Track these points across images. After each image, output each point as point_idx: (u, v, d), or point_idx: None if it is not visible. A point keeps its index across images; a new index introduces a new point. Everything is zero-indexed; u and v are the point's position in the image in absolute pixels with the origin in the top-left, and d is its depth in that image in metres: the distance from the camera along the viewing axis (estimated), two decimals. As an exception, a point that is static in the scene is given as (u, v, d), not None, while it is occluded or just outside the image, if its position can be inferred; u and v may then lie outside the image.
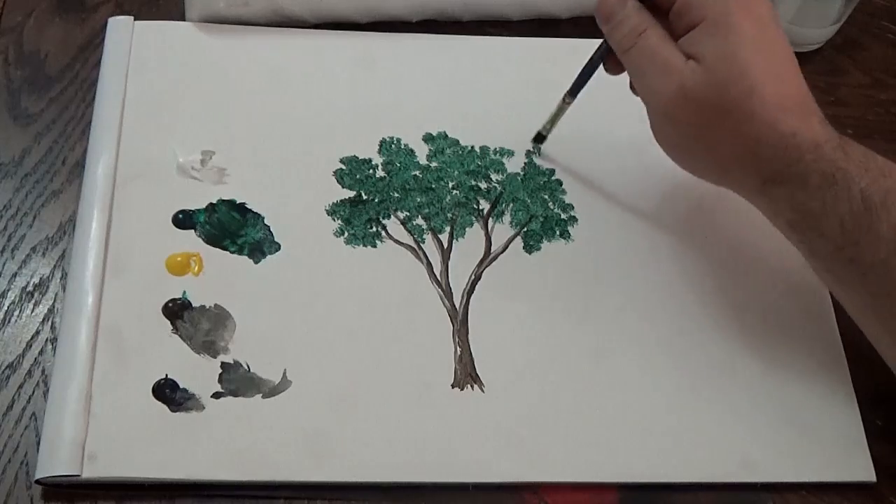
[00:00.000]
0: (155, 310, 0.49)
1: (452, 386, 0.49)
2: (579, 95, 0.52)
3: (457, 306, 0.51)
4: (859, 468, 0.48)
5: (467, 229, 0.54)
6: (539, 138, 0.56)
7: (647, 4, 0.46)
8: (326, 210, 0.53)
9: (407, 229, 0.53)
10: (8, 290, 0.50)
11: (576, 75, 0.52)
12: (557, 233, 0.54)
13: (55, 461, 0.44)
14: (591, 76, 0.51)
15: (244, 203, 0.53)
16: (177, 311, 0.49)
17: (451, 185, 0.55)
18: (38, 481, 0.44)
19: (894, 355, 0.46)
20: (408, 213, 0.54)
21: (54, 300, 0.50)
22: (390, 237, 0.53)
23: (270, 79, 0.58)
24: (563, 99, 0.53)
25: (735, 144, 0.44)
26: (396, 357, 0.49)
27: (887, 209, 0.43)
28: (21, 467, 0.45)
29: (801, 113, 0.44)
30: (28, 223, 0.53)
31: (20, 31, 0.60)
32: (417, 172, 0.55)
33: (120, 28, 0.58)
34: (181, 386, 0.47)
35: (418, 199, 0.55)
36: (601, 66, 0.50)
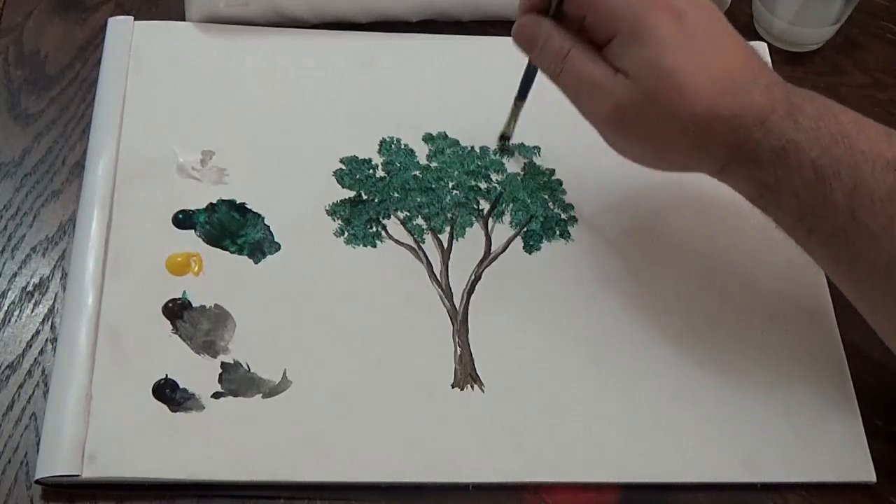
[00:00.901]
0: (155, 310, 0.49)
1: (452, 386, 0.49)
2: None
3: (457, 306, 0.51)
4: (859, 468, 0.48)
5: (467, 229, 0.54)
6: (504, 138, 0.57)
7: (559, 17, 0.46)
8: (326, 210, 0.53)
9: (407, 229, 0.53)
10: (8, 290, 0.50)
11: (519, 79, 0.53)
12: (557, 233, 0.54)
13: (55, 461, 0.44)
14: (532, 80, 0.52)
15: (244, 203, 0.53)
16: (177, 311, 0.49)
17: (451, 185, 0.55)
18: (38, 481, 0.44)
19: (870, 317, 0.46)
20: (408, 213, 0.54)
21: (54, 300, 0.50)
22: (390, 237, 0.53)
23: (270, 79, 0.58)
24: (515, 103, 0.54)
25: (683, 141, 0.44)
26: (396, 357, 0.49)
27: (840, 178, 0.42)
28: (21, 467, 0.45)
29: (740, 90, 0.43)
30: (28, 223, 0.53)
31: (20, 31, 0.60)
32: (417, 172, 0.55)
33: (120, 28, 0.58)
34: (181, 386, 0.47)
35: (418, 199, 0.55)
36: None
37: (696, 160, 0.46)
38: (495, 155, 0.57)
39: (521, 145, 0.57)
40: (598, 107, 0.45)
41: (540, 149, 0.57)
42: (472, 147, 0.57)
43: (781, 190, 0.44)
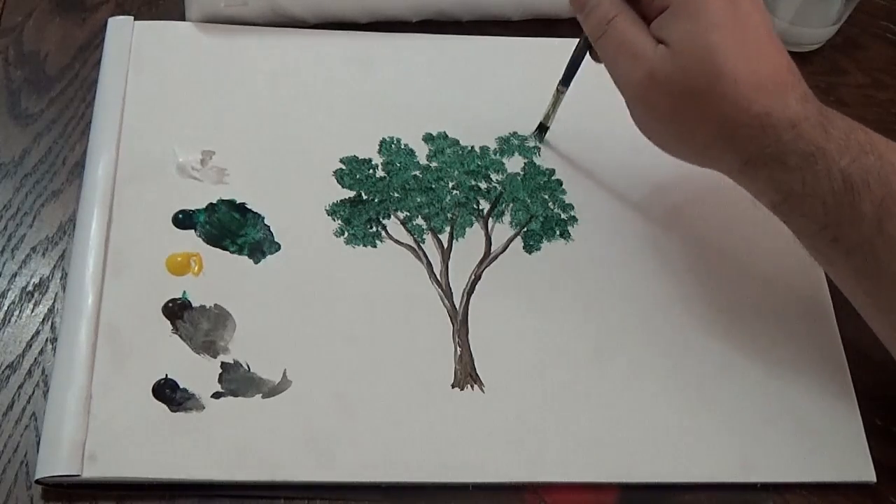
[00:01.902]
0: (155, 310, 0.49)
1: (452, 386, 0.49)
2: (585, 93, 0.53)
3: (457, 306, 0.51)
4: (859, 468, 0.48)
5: (467, 229, 0.54)
6: (542, 128, 0.57)
7: None
8: (326, 210, 0.53)
9: (407, 229, 0.53)
10: (8, 290, 0.50)
11: (565, 64, 0.53)
12: (557, 233, 0.54)
13: (55, 461, 0.44)
14: (579, 65, 0.52)
15: (244, 203, 0.53)
16: (177, 311, 0.49)
17: (451, 185, 0.55)
18: (38, 481, 0.44)
19: (885, 332, 0.46)
20: (408, 213, 0.54)
21: (54, 300, 0.50)
22: (390, 237, 0.53)
23: (270, 78, 0.58)
24: (557, 89, 0.54)
25: (709, 127, 0.44)
26: (396, 357, 0.49)
27: (869, 188, 0.42)
28: (21, 467, 0.45)
29: (777, 91, 0.43)
30: (28, 223, 0.53)
31: (20, 31, 0.60)
32: (417, 172, 0.55)
33: (120, 28, 0.58)
34: (181, 386, 0.47)
35: (418, 199, 0.55)
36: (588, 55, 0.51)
37: (718, 152, 0.45)
38: (495, 155, 0.57)
39: (522, 145, 0.57)
40: (633, 73, 0.45)
41: (540, 149, 0.57)
42: (472, 147, 0.57)
43: (808, 196, 0.43)
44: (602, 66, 0.48)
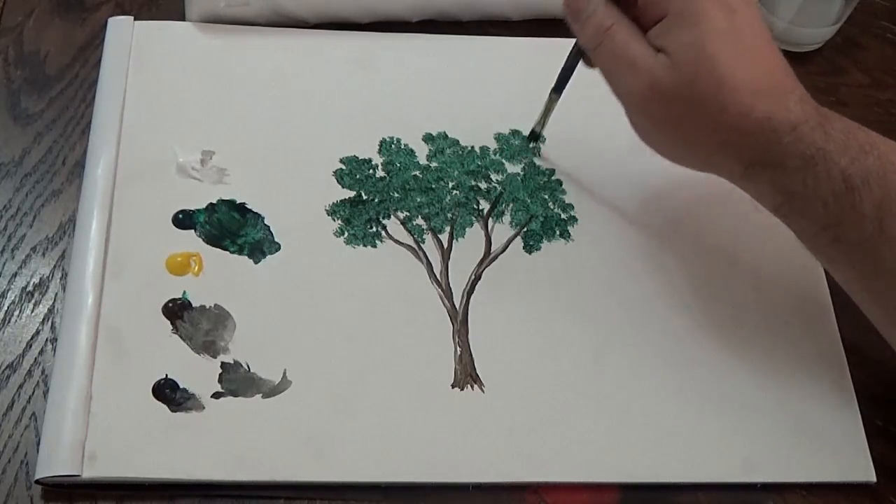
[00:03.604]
0: (155, 310, 0.49)
1: (452, 386, 0.49)
2: (585, 94, 0.52)
3: (457, 306, 0.51)
4: (859, 468, 0.48)
5: (467, 229, 0.54)
6: (534, 136, 0.56)
7: None
8: (326, 210, 0.53)
9: (407, 229, 0.53)
10: (8, 290, 0.50)
11: (558, 71, 0.52)
12: (557, 233, 0.54)
13: (55, 461, 0.44)
14: (572, 72, 0.52)
15: (244, 203, 0.53)
16: (177, 311, 0.49)
17: (451, 185, 0.55)
18: (38, 481, 0.44)
19: (889, 331, 0.46)
20: (408, 213, 0.54)
21: (54, 300, 0.50)
22: (390, 237, 0.53)
23: (270, 79, 0.58)
24: (550, 96, 0.54)
25: (712, 134, 0.44)
26: (396, 357, 0.49)
27: (869, 188, 0.42)
28: (21, 467, 0.45)
29: (776, 95, 0.43)
30: (28, 223, 0.53)
31: (20, 31, 0.60)
32: (417, 172, 0.55)
33: (120, 28, 0.58)
34: (181, 386, 0.47)
35: (418, 199, 0.55)
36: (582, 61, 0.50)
37: (721, 157, 0.45)
38: (495, 155, 0.57)
39: (522, 145, 0.57)
40: (634, 83, 0.45)
41: (540, 149, 0.57)
42: (472, 147, 0.57)
43: (809, 198, 0.43)
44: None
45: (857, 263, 0.45)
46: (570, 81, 0.53)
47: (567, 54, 0.52)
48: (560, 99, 0.54)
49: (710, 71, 0.43)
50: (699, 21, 0.43)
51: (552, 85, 0.53)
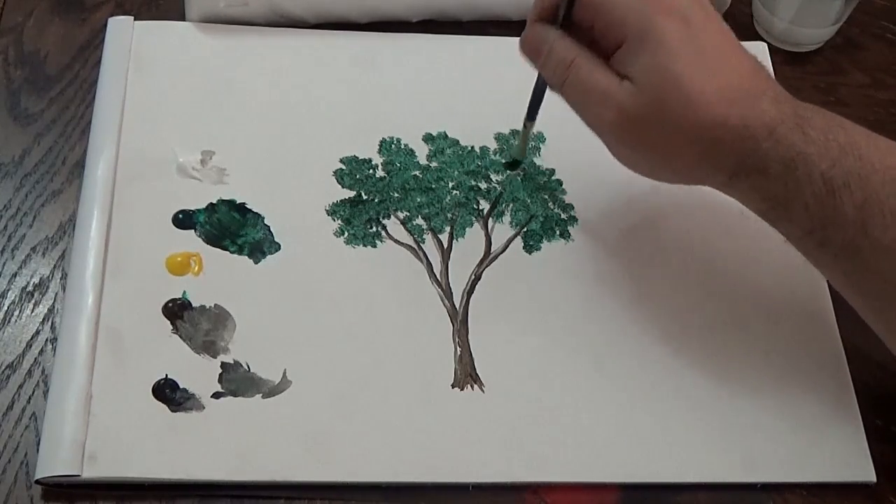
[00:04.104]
0: (155, 310, 0.49)
1: (452, 386, 0.49)
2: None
3: (457, 306, 0.51)
4: (859, 468, 0.48)
5: (467, 229, 0.54)
6: (514, 164, 0.56)
7: (568, 26, 0.45)
8: (326, 210, 0.53)
9: (407, 229, 0.53)
10: (8, 290, 0.50)
11: (528, 100, 0.52)
12: (557, 233, 0.54)
13: (55, 461, 0.44)
14: (542, 97, 0.51)
15: (244, 203, 0.53)
16: (177, 311, 0.49)
17: (451, 185, 0.55)
18: (38, 481, 0.44)
19: (881, 329, 0.46)
20: (408, 213, 0.54)
21: (54, 300, 0.50)
22: (390, 237, 0.53)
23: (270, 79, 0.58)
24: (524, 124, 0.53)
25: (690, 151, 0.44)
26: (396, 357, 0.49)
27: (850, 190, 0.42)
28: (21, 467, 0.45)
29: (748, 99, 0.43)
30: (28, 223, 0.53)
31: (20, 31, 0.60)
32: (417, 172, 0.55)
33: (120, 28, 0.58)
34: (181, 386, 0.47)
35: (418, 199, 0.55)
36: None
37: (704, 171, 0.45)
38: (495, 155, 0.57)
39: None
40: (603, 115, 0.44)
41: (540, 149, 0.57)
42: (472, 147, 0.57)
43: (791, 202, 0.43)
44: None
45: (843, 266, 0.45)
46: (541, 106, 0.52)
47: (534, 83, 0.51)
48: (534, 125, 0.53)
49: (677, 90, 0.42)
50: (658, 42, 0.42)
51: (524, 114, 0.53)
